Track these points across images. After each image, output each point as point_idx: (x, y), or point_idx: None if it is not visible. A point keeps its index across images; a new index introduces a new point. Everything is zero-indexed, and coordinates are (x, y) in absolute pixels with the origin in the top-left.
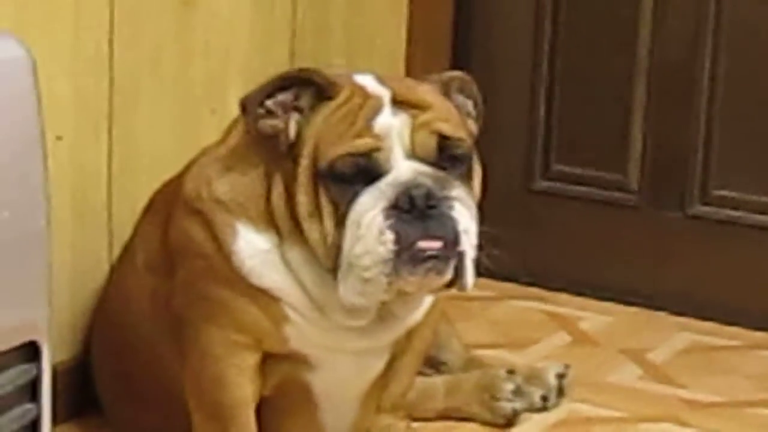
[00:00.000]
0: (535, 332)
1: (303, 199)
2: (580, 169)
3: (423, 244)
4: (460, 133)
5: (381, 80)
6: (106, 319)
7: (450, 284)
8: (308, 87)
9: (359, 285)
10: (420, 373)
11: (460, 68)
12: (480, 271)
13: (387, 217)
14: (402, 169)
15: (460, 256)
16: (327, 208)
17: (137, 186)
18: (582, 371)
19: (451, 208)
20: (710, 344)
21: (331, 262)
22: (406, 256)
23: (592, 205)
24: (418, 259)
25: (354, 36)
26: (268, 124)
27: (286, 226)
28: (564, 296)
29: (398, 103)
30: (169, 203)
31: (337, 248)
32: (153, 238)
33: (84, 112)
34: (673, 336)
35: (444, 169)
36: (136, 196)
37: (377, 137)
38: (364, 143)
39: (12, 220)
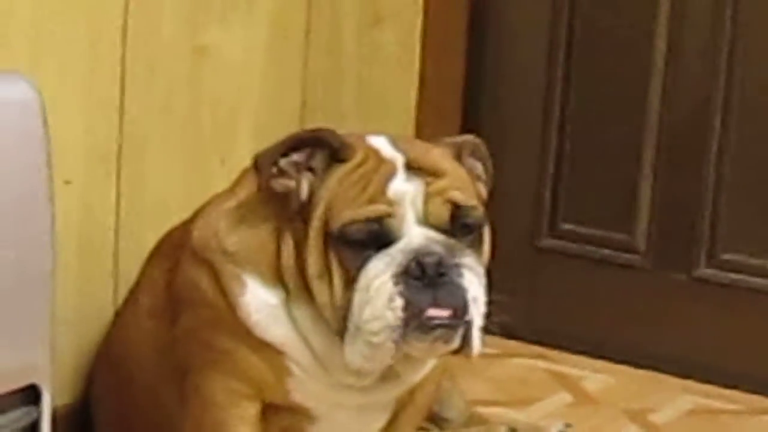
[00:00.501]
0: (538, 391)
1: (312, 260)
2: (586, 228)
3: (432, 312)
4: (473, 201)
5: (394, 143)
6: (108, 363)
7: (456, 351)
8: (322, 148)
9: (366, 349)
10: (422, 429)
11: (471, 126)
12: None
13: (396, 283)
14: (413, 235)
15: (468, 324)
16: (337, 271)
17: (144, 231)
18: (583, 431)
19: (461, 276)
20: (712, 407)
21: (338, 324)
22: (414, 323)
23: (598, 265)
24: (427, 326)
25: (365, 89)
26: (280, 183)
27: (294, 284)
28: (567, 355)
29: (412, 168)
30: (176, 250)
31: (345, 311)
32: (158, 284)
33: (93, 156)
34: (675, 398)
35: (455, 236)
36: (142, 241)
37: (390, 203)
38: (377, 209)
39: (17, 262)
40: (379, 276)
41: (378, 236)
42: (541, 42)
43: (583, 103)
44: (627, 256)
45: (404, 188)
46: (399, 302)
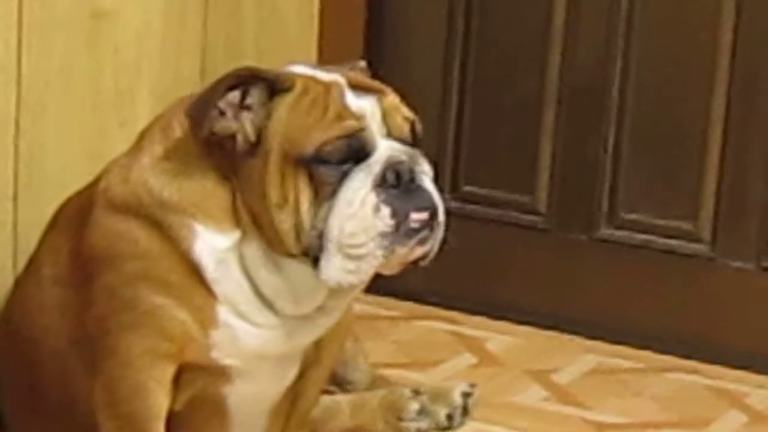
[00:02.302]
0: (441, 353)
1: (274, 191)
2: (488, 190)
3: (415, 216)
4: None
5: (321, 69)
6: (9, 333)
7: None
8: (256, 84)
9: (350, 263)
10: (326, 391)
11: (373, 53)
12: (386, 291)
13: (378, 193)
14: (383, 147)
15: (440, 225)
16: (305, 195)
17: (44, 199)
18: (487, 392)
19: (426, 181)
20: (616, 366)
21: (303, 247)
22: (402, 229)
23: (500, 227)
24: (412, 230)
25: (265, 53)
26: (222, 126)
27: (247, 222)
28: (470, 317)
29: (354, 87)
30: (80, 215)
31: (317, 230)
32: (62, 251)
33: None
34: (579, 358)
35: (413, 147)
36: (42, 209)
37: (358, 118)
38: (350, 125)
39: None
40: (361, 188)
41: (356, 151)
42: (440, 4)
43: (483, 66)
44: (528, 217)
45: (363, 104)
46: (386, 210)
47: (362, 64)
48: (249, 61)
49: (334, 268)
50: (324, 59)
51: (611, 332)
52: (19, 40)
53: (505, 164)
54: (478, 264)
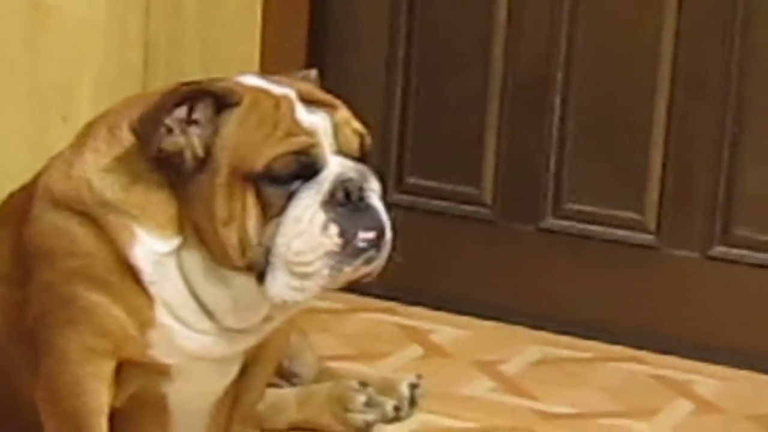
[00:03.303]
0: (388, 345)
1: (220, 208)
2: (433, 182)
3: (362, 235)
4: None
5: (271, 80)
6: None
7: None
8: (203, 99)
9: (296, 281)
10: (272, 385)
11: (316, 49)
12: None
13: (327, 211)
14: (333, 164)
15: (387, 244)
16: (253, 211)
17: None
18: (434, 383)
19: (374, 199)
20: (563, 357)
21: (248, 262)
22: (349, 248)
23: (445, 219)
24: (358, 249)
25: (208, 47)
26: (170, 142)
27: (190, 234)
28: (417, 309)
29: (305, 101)
30: (20, 212)
31: (264, 248)
32: (3, 247)
33: None
34: (526, 349)
35: (362, 163)
36: None
37: (310, 134)
38: (301, 141)
39: None
40: (310, 206)
41: (306, 167)
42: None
43: (426, 59)
44: (474, 209)
45: (314, 120)
46: (334, 229)
47: (313, 74)
48: (192, 54)
49: (280, 285)
50: (266, 50)
51: (558, 323)
52: None
53: (450, 156)
54: (423, 256)
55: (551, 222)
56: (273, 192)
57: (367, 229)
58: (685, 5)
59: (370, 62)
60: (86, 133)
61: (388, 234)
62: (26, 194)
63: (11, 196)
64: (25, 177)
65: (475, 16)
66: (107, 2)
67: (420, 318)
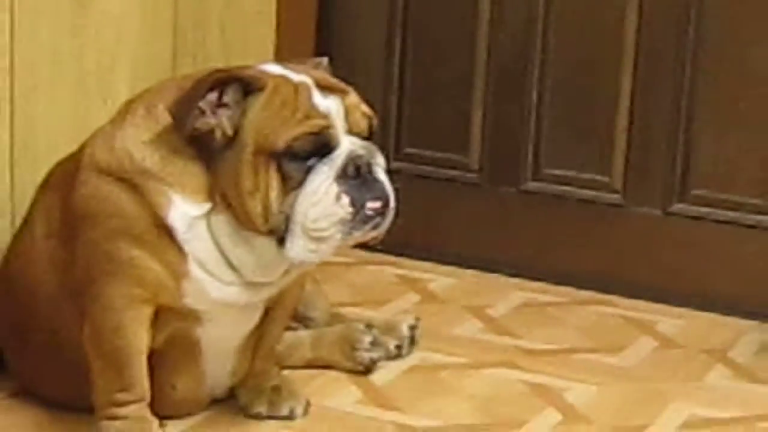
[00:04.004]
0: (389, 293)
1: (247, 180)
2: (428, 151)
3: (370, 204)
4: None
5: (290, 68)
6: (6, 283)
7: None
8: (231, 85)
9: (312, 244)
10: (289, 328)
11: (324, 33)
12: None
13: (340, 184)
14: (345, 143)
15: (391, 212)
16: (275, 183)
17: (36, 166)
18: (430, 325)
19: (380, 173)
20: (542, 301)
21: (270, 227)
22: (359, 216)
23: (438, 183)
24: (366, 217)
25: (228, 37)
26: (203, 123)
27: (219, 201)
28: (414, 262)
29: (321, 87)
30: (68, 178)
31: (284, 215)
32: (52, 210)
33: None
34: (509, 294)
35: (369, 141)
36: (34, 174)
37: (325, 117)
38: (318, 123)
39: None
40: (325, 180)
41: (321, 146)
42: None
43: (420, 45)
44: (463, 174)
45: (328, 104)
46: (346, 200)
47: (325, 61)
48: (214, 42)
49: (298, 247)
50: (280, 38)
51: (537, 271)
52: (12, 24)
53: (441, 129)
54: (420, 215)
55: (530, 185)
56: (292, 167)
57: (375, 199)
58: None
59: (371, 50)
60: (126, 111)
61: (392, 203)
62: (72, 164)
63: (58, 164)
64: (70, 150)
65: (462, 10)
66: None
67: (417, 269)
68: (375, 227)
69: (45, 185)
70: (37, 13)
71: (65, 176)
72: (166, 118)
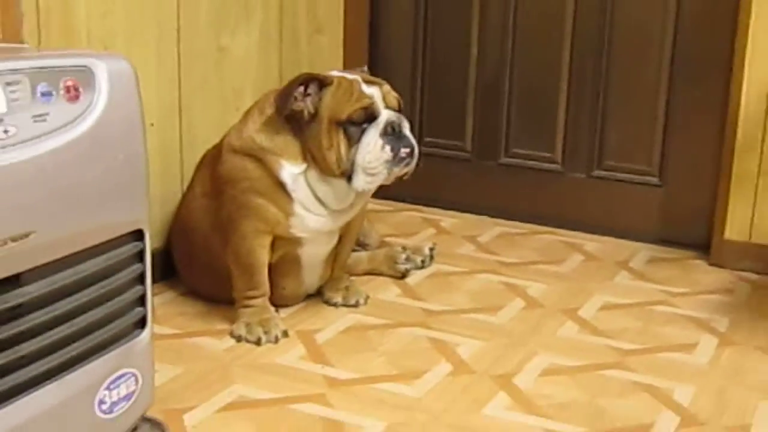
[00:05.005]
0: (416, 228)
1: (325, 140)
2: (439, 138)
3: (403, 150)
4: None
5: (346, 72)
6: (178, 224)
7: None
8: (312, 82)
9: (368, 178)
10: (354, 250)
11: (372, 62)
12: (383, 196)
13: (383, 139)
14: (384, 113)
15: (416, 157)
16: (342, 142)
17: (195, 151)
18: (442, 248)
19: (408, 132)
20: (512, 233)
21: (342, 170)
22: (396, 158)
23: (444, 159)
24: (401, 158)
25: (314, 62)
26: (297, 105)
27: (310, 159)
28: (432, 209)
29: (366, 82)
30: (214, 157)
31: (350, 161)
32: (206, 177)
33: (165, 109)
34: (491, 229)
35: (399, 113)
36: (195, 155)
37: (370, 98)
38: (366, 102)
39: (126, 161)
40: (374, 137)
41: (370, 116)
42: (407, 27)
43: (434, 63)
44: (460, 153)
45: (371, 91)
46: (387, 148)
47: (365, 68)
48: (304, 59)
49: (360, 181)
50: (345, 58)
51: (508, 214)
52: (179, 61)
53: (448, 123)
54: (433, 179)
55: (504, 160)
56: (352, 130)
57: (405, 147)
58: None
59: (401, 62)
60: (247, 113)
61: (416, 150)
62: (216, 149)
63: (208, 150)
64: (216, 141)
65: (460, 41)
66: (257, 44)
67: (433, 213)
68: (407, 165)
69: (201, 163)
70: (195, 56)
71: (213, 157)
72: (270, 113)
